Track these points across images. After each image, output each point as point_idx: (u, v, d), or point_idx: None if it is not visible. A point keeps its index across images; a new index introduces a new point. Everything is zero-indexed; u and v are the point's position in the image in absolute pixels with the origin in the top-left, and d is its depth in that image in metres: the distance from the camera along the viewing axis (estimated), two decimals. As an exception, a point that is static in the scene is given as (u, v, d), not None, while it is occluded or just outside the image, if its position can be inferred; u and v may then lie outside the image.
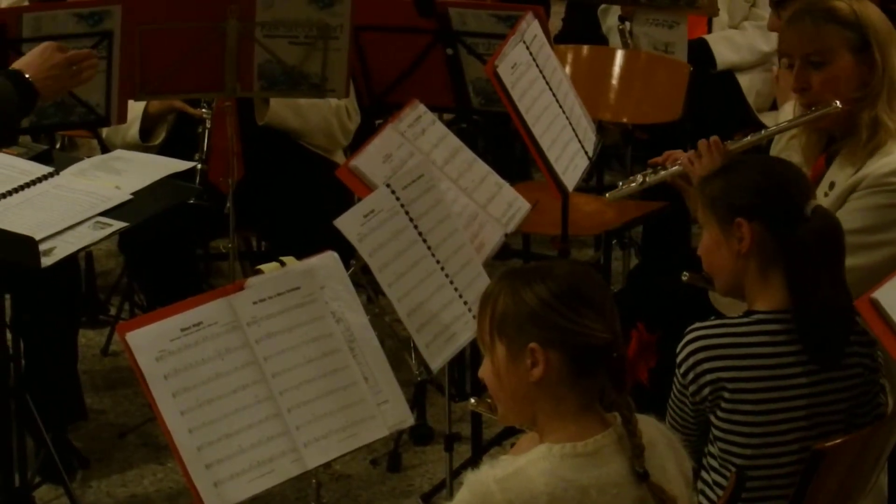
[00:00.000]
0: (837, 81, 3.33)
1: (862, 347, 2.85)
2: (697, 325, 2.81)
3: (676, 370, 2.81)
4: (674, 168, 3.52)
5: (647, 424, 2.44)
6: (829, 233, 2.80)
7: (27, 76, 3.49)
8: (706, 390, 2.78)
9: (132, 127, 4.40)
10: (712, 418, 2.81)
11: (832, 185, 3.34)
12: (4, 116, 3.47)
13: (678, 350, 2.80)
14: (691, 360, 2.78)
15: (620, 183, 3.72)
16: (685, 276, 3.13)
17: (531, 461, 2.36)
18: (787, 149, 3.59)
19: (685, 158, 3.50)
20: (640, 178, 3.62)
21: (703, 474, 2.86)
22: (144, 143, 4.43)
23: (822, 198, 3.32)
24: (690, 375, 2.78)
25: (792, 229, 2.79)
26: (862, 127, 3.30)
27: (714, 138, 3.49)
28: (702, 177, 3.07)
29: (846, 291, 2.81)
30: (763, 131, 3.59)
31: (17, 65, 3.53)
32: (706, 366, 2.77)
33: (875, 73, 3.31)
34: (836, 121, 3.36)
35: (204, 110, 4.31)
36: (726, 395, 2.77)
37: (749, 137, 3.54)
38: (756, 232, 2.81)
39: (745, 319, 2.82)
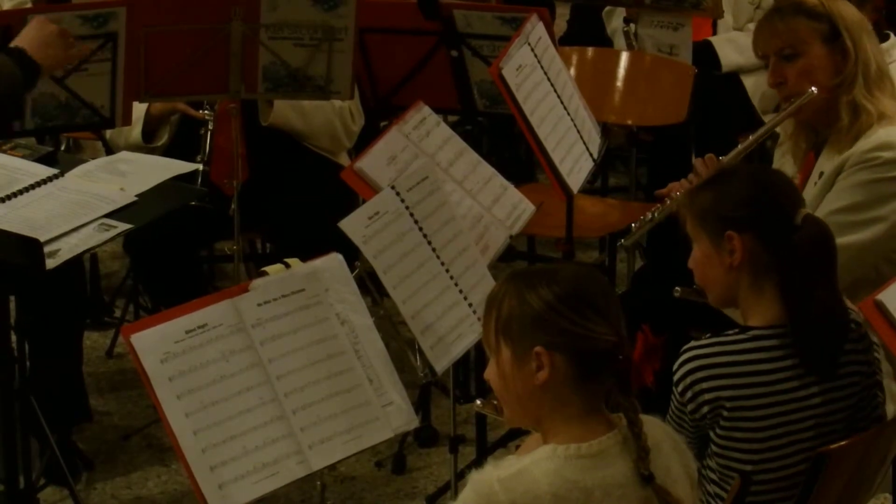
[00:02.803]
0: (812, 72, 3.37)
1: (858, 354, 2.83)
2: (693, 343, 2.78)
3: (674, 388, 2.78)
4: (678, 197, 3.53)
5: (652, 425, 2.44)
6: (821, 240, 2.77)
7: (27, 52, 3.53)
8: (705, 409, 2.75)
9: (135, 128, 4.41)
10: (712, 434, 2.79)
11: (821, 175, 3.36)
12: (9, 92, 3.49)
13: (675, 369, 2.76)
14: (689, 380, 2.75)
15: (633, 225, 3.74)
16: (677, 292, 3.12)
17: (535, 461, 2.35)
18: (784, 157, 3.60)
19: (685, 182, 3.51)
20: (648, 215, 3.65)
21: (704, 485, 2.84)
22: (147, 144, 4.43)
23: (812, 187, 3.33)
24: (688, 394, 2.75)
25: (784, 239, 2.75)
26: (842, 112, 3.33)
27: (709, 155, 3.52)
28: (690, 190, 3.06)
29: (840, 300, 2.79)
30: (751, 136, 3.59)
31: (15, 42, 3.56)
32: (704, 385, 2.74)
33: (848, 60, 3.35)
34: (817, 111, 3.39)
35: (206, 112, 4.31)
36: (725, 413, 2.74)
37: (740, 146, 3.56)
38: (748, 244, 2.78)
39: (742, 336, 2.78)
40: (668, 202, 3.58)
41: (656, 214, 3.62)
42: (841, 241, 2.89)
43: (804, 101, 3.38)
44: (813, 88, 3.36)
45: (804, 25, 3.37)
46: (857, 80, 3.33)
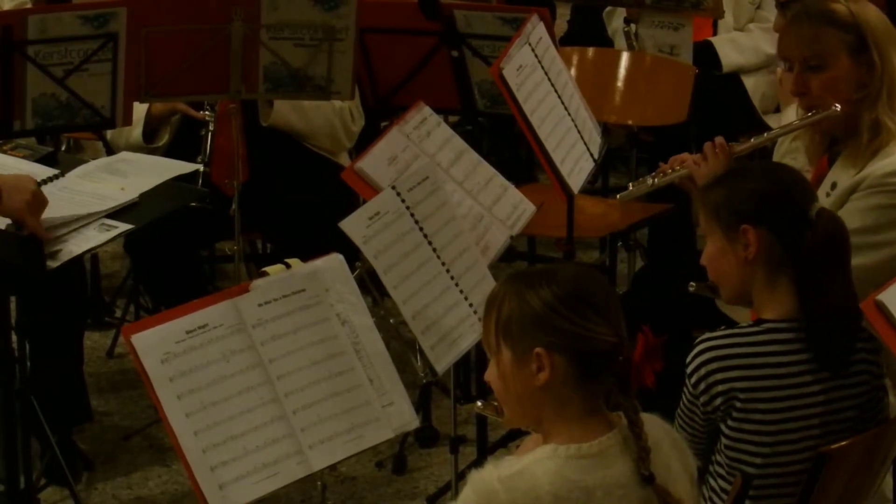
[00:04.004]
0: (836, 84, 3.34)
1: (868, 354, 2.84)
2: (707, 335, 2.79)
3: (687, 380, 2.78)
4: (681, 170, 3.53)
5: (652, 424, 2.44)
6: (836, 235, 2.79)
7: None
8: (718, 400, 2.75)
9: (135, 128, 4.41)
10: (723, 427, 2.79)
11: (834, 186, 3.34)
12: None
13: (688, 360, 2.77)
14: (703, 371, 2.75)
15: (630, 184, 3.74)
16: (692, 287, 3.11)
17: (536, 461, 2.35)
18: (792, 151, 3.60)
19: (691, 161, 3.51)
20: (649, 179, 3.64)
21: (710, 481, 2.84)
22: (148, 144, 4.43)
23: (824, 198, 3.32)
24: (702, 386, 2.76)
25: (798, 233, 2.77)
26: (863, 128, 3.31)
27: (719, 140, 3.50)
28: (703, 185, 3.07)
29: (853, 295, 2.80)
30: (766, 134, 3.60)
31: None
32: (718, 376, 2.74)
33: (874, 74, 3.31)
34: (837, 122, 3.37)
35: (206, 112, 4.31)
36: (738, 404, 2.74)
37: (753, 140, 3.55)
38: (762, 238, 2.79)
39: (756, 328, 2.79)
40: (671, 172, 3.57)
41: (656, 180, 3.61)
42: None
43: (825, 117, 3.35)
44: (837, 106, 3.32)
45: (832, 36, 3.32)
46: (882, 97, 3.30)
